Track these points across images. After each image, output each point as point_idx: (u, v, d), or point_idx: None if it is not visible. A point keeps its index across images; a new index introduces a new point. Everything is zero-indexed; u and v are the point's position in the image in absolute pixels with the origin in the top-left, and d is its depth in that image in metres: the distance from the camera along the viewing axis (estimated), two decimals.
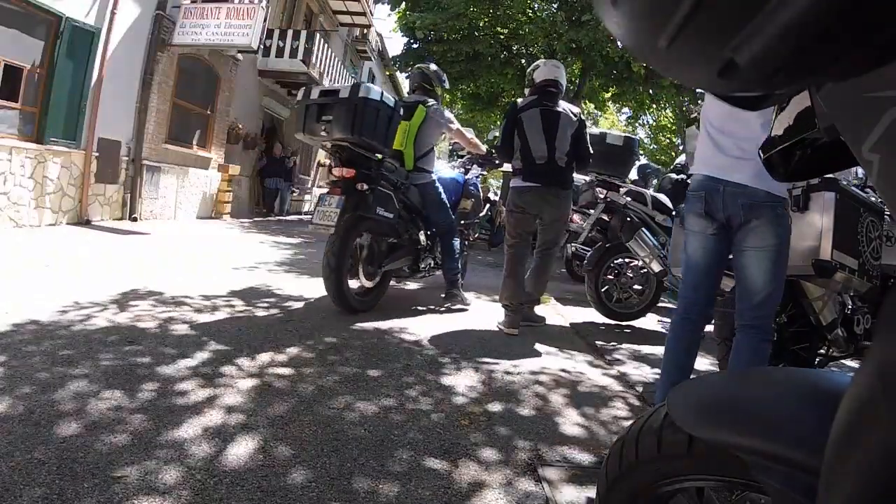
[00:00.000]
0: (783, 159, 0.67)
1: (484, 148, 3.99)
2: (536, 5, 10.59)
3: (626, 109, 16.19)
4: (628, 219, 3.53)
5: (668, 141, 19.85)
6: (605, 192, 3.59)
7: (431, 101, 3.46)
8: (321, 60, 10.16)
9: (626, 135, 4.15)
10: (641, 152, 17.40)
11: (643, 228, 3.48)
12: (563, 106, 3.10)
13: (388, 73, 19.53)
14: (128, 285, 3.06)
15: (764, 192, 1.72)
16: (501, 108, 12.27)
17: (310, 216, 3.13)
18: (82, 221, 5.89)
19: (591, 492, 1.38)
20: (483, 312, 3.50)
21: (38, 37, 5.29)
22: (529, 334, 3.06)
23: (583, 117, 3.20)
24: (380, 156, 3.01)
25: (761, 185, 1.71)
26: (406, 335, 2.75)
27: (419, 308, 3.47)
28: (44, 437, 1.34)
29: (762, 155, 0.70)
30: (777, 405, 0.56)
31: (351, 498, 1.26)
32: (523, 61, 10.88)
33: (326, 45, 10.59)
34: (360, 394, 1.89)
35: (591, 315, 3.82)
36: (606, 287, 3.77)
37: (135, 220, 6.68)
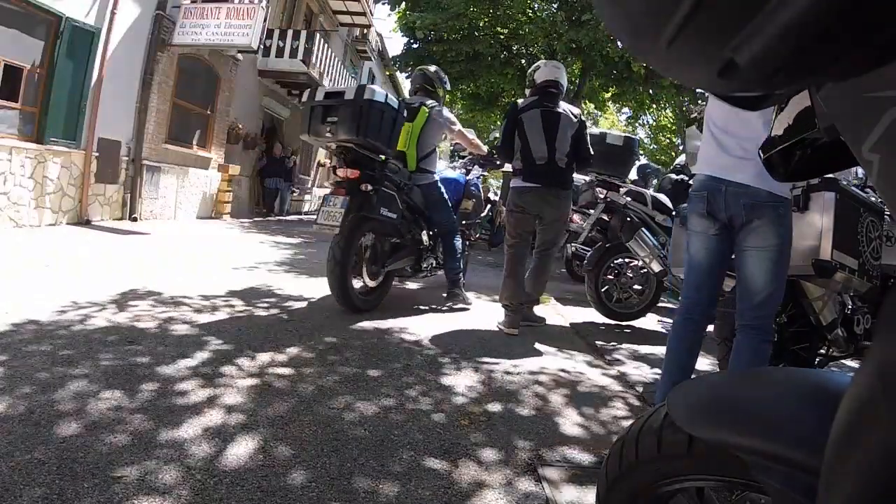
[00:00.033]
0: (783, 159, 0.67)
1: (485, 149, 4.02)
2: (536, 5, 10.59)
3: (626, 109, 16.20)
4: (628, 219, 3.53)
5: (668, 141, 19.85)
6: (605, 192, 3.59)
7: (434, 103, 3.48)
8: (321, 60, 10.16)
9: (626, 135, 4.15)
10: (641, 152, 17.40)
11: (643, 228, 3.48)
12: (564, 107, 3.11)
13: (388, 74, 19.53)
14: (128, 285, 3.06)
15: (766, 192, 1.72)
16: (501, 108, 12.26)
17: (310, 216, 3.15)
18: (82, 221, 5.89)
19: (591, 492, 1.38)
20: (483, 312, 3.50)
21: (38, 37, 5.29)
22: (529, 334, 3.06)
23: (583, 118, 3.21)
24: (384, 157, 3.03)
25: (763, 185, 1.70)
26: (406, 335, 2.75)
27: (419, 308, 3.47)
28: (44, 437, 1.34)
29: (762, 155, 0.70)
30: (777, 405, 0.56)
31: (351, 498, 1.26)
32: (523, 61, 10.87)
33: (326, 45, 10.59)
34: (360, 394, 1.89)
35: (591, 315, 3.82)
36: (606, 287, 3.77)
37: (135, 220, 6.68)
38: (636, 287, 3.84)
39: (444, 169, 3.99)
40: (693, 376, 1.89)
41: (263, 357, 2.14)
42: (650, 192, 3.89)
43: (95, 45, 5.77)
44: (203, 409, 1.61)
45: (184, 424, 1.50)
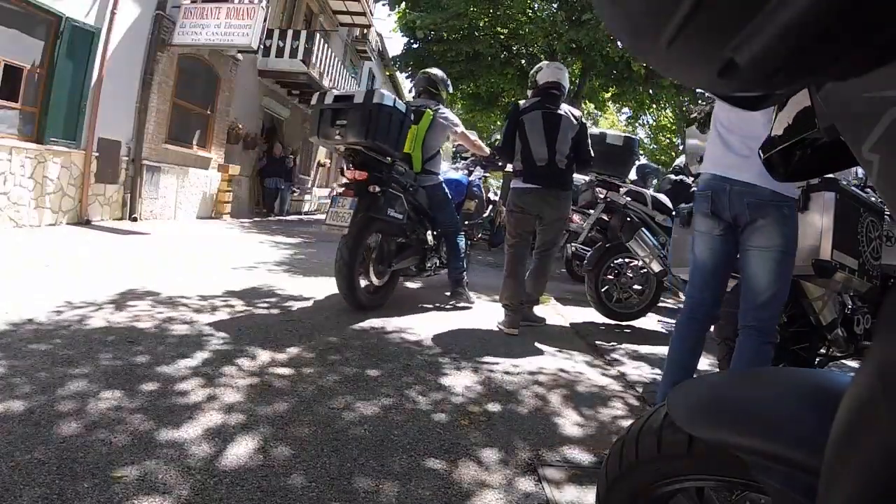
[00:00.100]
0: (783, 159, 0.67)
1: (487, 150, 4.08)
2: (536, 5, 10.58)
3: (626, 109, 16.20)
4: (628, 219, 3.53)
5: (668, 141, 19.85)
6: (605, 192, 3.60)
7: (438, 106, 3.55)
8: (321, 60, 10.16)
9: (626, 135, 4.15)
10: (641, 152, 17.40)
11: (643, 228, 3.48)
12: (565, 109, 3.12)
13: (388, 74, 19.53)
14: (127, 285, 3.06)
15: (770, 191, 1.70)
16: (501, 108, 12.26)
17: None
18: (82, 221, 5.89)
19: (591, 492, 1.38)
20: (483, 312, 3.51)
21: (38, 37, 5.29)
22: (529, 334, 3.06)
23: (584, 121, 3.22)
24: (391, 159, 3.09)
25: (768, 184, 1.68)
26: (406, 335, 2.75)
27: (419, 307, 3.47)
28: (44, 437, 1.34)
29: (762, 155, 0.70)
30: (777, 405, 0.56)
31: (351, 498, 1.26)
32: (523, 61, 10.87)
33: (326, 45, 10.59)
34: (360, 394, 1.89)
35: (591, 315, 3.82)
36: (606, 287, 3.77)
37: (135, 220, 6.68)
38: (636, 287, 3.84)
39: (447, 170, 4.04)
40: (694, 376, 1.89)
41: (263, 357, 2.14)
42: (650, 192, 3.89)
43: (95, 45, 5.77)
44: (203, 409, 1.61)
45: (184, 424, 1.50)
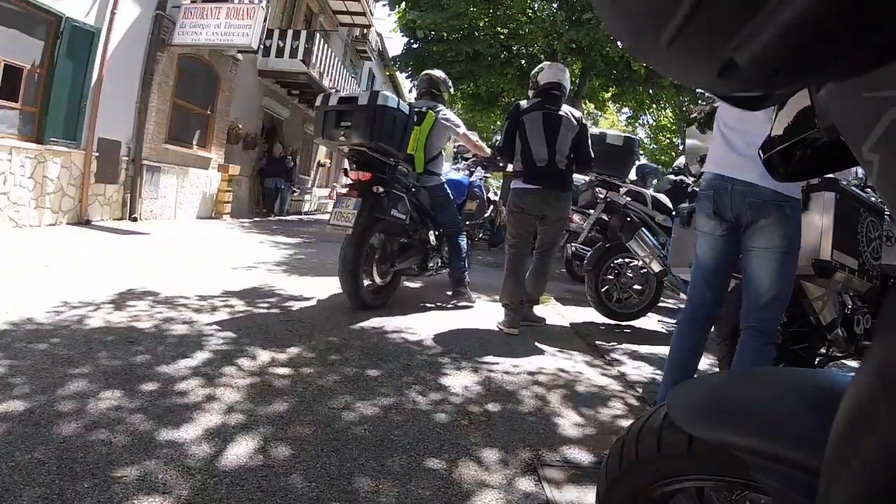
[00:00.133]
0: (783, 159, 0.67)
1: (488, 151, 4.12)
2: (536, 5, 10.58)
3: (626, 109, 16.19)
4: (628, 219, 3.53)
5: (668, 141, 19.85)
6: (604, 192, 3.60)
7: (440, 107, 3.59)
8: (321, 60, 10.16)
9: (626, 135, 4.15)
10: (641, 152, 17.40)
11: (643, 228, 3.48)
12: (566, 110, 3.13)
13: (388, 74, 19.53)
14: (127, 285, 3.06)
15: (771, 191, 1.69)
16: (501, 108, 12.26)
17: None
18: (82, 221, 5.89)
19: (591, 492, 1.38)
20: (483, 312, 3.51)
21: (38, 37, 5.29)
22: (529, 334, 3.06)
23: (585, 122, 3.22)
24: (394, 160, 3.13)
25: (770, 183, 1.67)
26: (406, 335, 2.75)
27: (419, 307, 3.47)
28: (44, 437, 1.34)
29: (762, 155, 0.70)
30: (777, 405, 0.56)
31: (351, 498, 1.26)
32: (523, 61, 10.87)
33: (326, 45, 10.59)
34: (360, 394, 1.89)
35: (591, 315, 3.82)
36: (606, 287, 3.77)
37: (135, 220, 6.68)
38: (636, 287, 3.84)
39: (448, 170, 4.07)
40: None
41: (263, 357, 2.14)
42: (650, 192, 3.89)
43: (95, 45, 5.77)
44: (203, 409, 1.61)
45: (184, 424, 1.50)
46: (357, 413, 1.73)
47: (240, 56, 8.47)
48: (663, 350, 3.02)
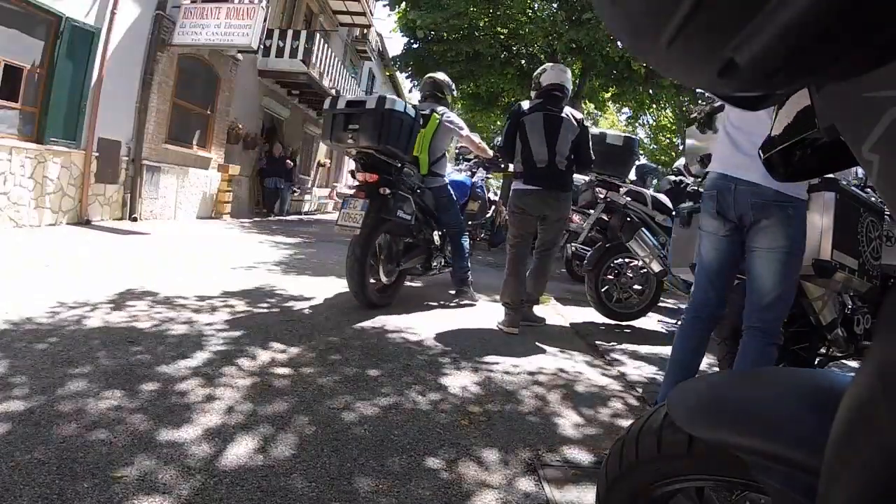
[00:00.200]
0: (783, 159, 0.67)
1: (490, 152, 4.20)
2: (536, 5, 10.58)
3: (626, 109, 16.20)
4: (628, 219, 3.53)
5: (668, 141, 19.85)
6: (605, 192, 3.60)
7: (444, 110, 3.65)
8: (321, 60, 10.16)
9: (626, 135, 4.15)
10: (641, 152, 17.40)
11: (643, 228, 3.48)
12: (567, 111, 3.14)
13: (388, 74, 19.52)
14: (127, 285, 3.06)
15: (774, 191, 1.68)
16: (501, 108, 12.26)
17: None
18: (82, 221, 5.89)
19: (591, 492, 1.38)
20: (483, 312, 3.51)
21: (38, 37, 5.29)
22: (529, 334, 3.06)
23: (585, 124, 3.23)
24: (400, 162, 3.18)
25: (773, 183, 1.66)
26: (406, 334, 2.75)
27: (420, 306, 3.47)
28: (44, 437, 1.34)
29: (762, 155, 0.70)
30: (777, 405, 0.56)
31: (351, 498, 1.26)
32: (523, 61, 10.87)
33: (326, 45, 10.59)
34: (360, 394, 1.89)
35: (591, 315, 3.82)
36: (606, 287, 3.77)
37: (135, 220, 6.67)
38: (636, 287, 3.84)
39: (450, 171, 4.13)
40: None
41: (263, 357, 2.14)
42: (650, 192, 3.89)
43: (95, 45, 5.77)
44: (203, 409, 1.61)
45: (184, 424, 1.50)
46: (357, 413, 1.73)
47: (240, 56, 8.47)
48: (663, 350, 3.03)
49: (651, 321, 4.02)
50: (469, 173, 4.37)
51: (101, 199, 6.28)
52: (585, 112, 14.91)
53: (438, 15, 9.49)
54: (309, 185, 13.61)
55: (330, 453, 1.45)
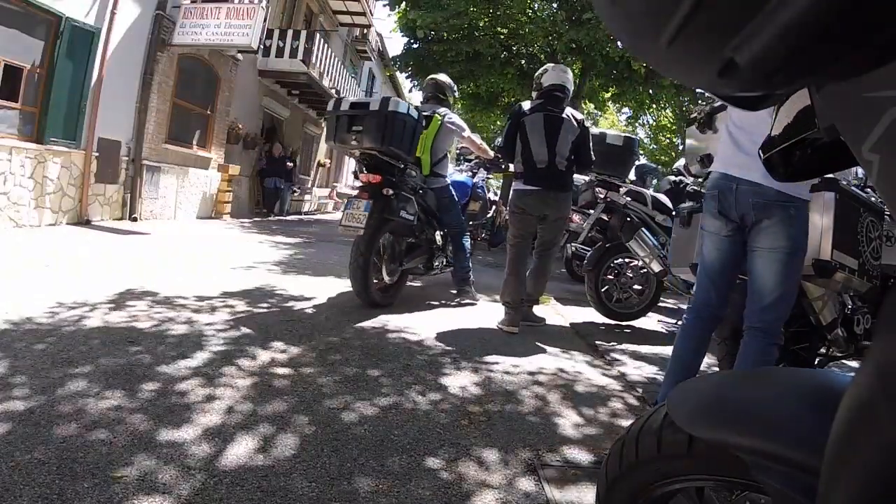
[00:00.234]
0: (783, 159, 0.67)
1: (491, 153, 4.24)
2: (536, 5, 10.58)
3: (626, 109, 16.19)
4: (628, 219, 3.53)
5: (668, 141, 19.85)
6: (604, 192, 3.60)
7: (446, 111, 3.68)
8: (321, 60, 10.15)
9: (626, 135, 4.15)
10: (641, 152, 17.40)
11: (643, 228, 3.48)
12: (568, 112, 3.14)
13: (388, 74, 19.52)
14: (127, 285, 3.06)
15: (775, 191, 1.68)
16: (501, 108, 12.25)
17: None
18: (82, 221, 5.89)
19: (591, 492, 1.38)
20: (483, 312, 3.51)
21: (38, 37, 5.29)
22: (529, 334, 3.06)
23: (586, 124, 3.23)
24: (402, 163, 3.21)
25: (774, 183, 1.65)
26: (406, 334, 2.75)
27: (420, 306, 3.47)
28: (44, 437, 1.34)
29: (762, 155, 0.70)
30: (777, 405, 0.56)
31: (351, 498, 1.26)
32: (523, 61, 10.87)
33: (326, 45, 10.58)
34: (360, 394, 1.89)
35: (591, 315, 3.82)
36: (606, 287, 3.77)
37: (135, 220, 6.67)
38: (636, 287, 3.84)
39: (452, 172, 4.17)
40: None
41: (263, 357, 2.14)
42: (650, 192, 3.89)
43: (95, 45, 5.77)
44: (203, 409, 1.61)
45: (184, 424, 1.50)
46: (357, 413, 1.73)
47: (240, 56, 8.46)
48: (663, 350, 3.03)
49: (651, 321, 4.02)
50: (470, 174, 4.41)
51: (101, 199, 6.28)
52: (585, 112, 14.91)
53: (438, 15, 9.49)
54: (309, 185, 13.60)
55: (330, 453, 1.45)
